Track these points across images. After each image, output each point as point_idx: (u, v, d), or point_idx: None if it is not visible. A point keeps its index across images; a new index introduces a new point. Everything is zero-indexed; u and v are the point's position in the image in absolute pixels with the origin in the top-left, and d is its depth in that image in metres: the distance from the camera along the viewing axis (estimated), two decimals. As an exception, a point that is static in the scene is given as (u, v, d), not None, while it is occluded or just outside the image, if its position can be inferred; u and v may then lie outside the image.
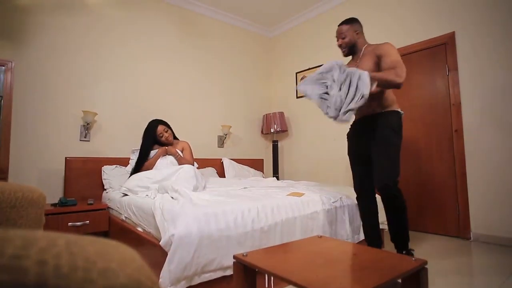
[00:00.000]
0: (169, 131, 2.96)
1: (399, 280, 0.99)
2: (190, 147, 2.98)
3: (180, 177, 2.30)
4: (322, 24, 4.26)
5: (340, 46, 2.21)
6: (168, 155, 2.82)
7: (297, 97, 4.57)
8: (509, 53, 2.66)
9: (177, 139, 3.11)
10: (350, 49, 2.19)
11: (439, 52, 3.09)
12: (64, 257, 0.26)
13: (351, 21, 2.19)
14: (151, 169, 2.69)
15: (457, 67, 2.96)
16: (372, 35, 3.61)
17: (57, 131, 3.03)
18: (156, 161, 2.76)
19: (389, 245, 2.66)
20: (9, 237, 0.26)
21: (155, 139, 2.88)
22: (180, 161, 2.77)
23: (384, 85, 1.85)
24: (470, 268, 2.16)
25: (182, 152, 2.91)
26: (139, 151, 2.86)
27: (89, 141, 3.21)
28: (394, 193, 1.88)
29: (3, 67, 2.50)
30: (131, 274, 0.29)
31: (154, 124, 2.91)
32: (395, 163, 1.92)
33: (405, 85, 3.20)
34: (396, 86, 1.85)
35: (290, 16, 4.60)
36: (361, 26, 2.21)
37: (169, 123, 3.08)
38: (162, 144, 2.92)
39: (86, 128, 3.16)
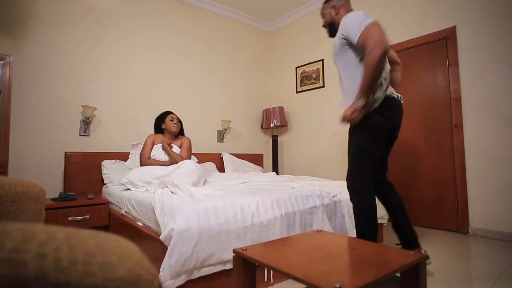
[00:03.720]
0: (179, 124, 2.99)
1: (398, 274, 1.00)
2: (189, 143, 2.97)
3: (181, 172, 2.30)
4: (321, 19, 4.23)
5: (323, 26, 2.01)
6: (162, 149, 2.82)
7: (297, 92, 4.56)
8: (511, 48, 2.65)
9: (183, 135, 3.11)
10: (331, 29, 1.92)
11: (440, 46, 3.07)
12: (63, 251, 0.26)
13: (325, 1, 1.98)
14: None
15: (457, 61, 2.94)
16: (373, 29, 3.59)
17: (56, 126, 3.02)
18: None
19: (388, 239, 2.67)
20: (9, 230, 0.26)
21: (163, 123, 2.96)
22: (172, 157, 2.75)
23: (370, 86, 1.56)
24: (469, 262, 2.18)
25: (180, 147, 2.90)
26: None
27: (88, 136, 3.20)
28: (351, 198, 1.80)
29: (2, 62, 2.49)
30: (130, 267, 0.29)
31: (169, 111, 3.05)
32: (354, 169, 1.78)
33: (405, 80, 3.21)
34: (378, 65, 1.48)
35: (290, 11, 4.56)
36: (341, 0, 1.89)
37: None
38: (166, 131, 2.96)
39: (86, 123, 3.16)
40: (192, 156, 3.42)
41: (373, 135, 1.71)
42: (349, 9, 1.88)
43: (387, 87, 1.70)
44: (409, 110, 3.14)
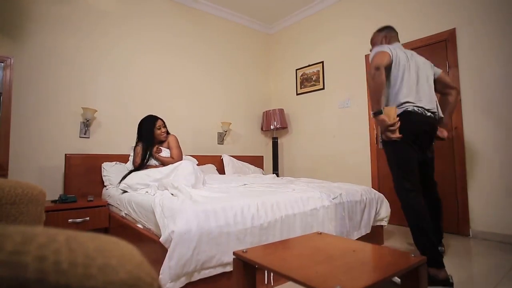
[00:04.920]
0: (166, 129, 2.92)
1: (398, 278, 1.00)
2: (176, 140, 2.89)
3: (179, 173, 2.30)
4: (322, 21, 4.25)
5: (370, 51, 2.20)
6: (153, 158, 2.76)
7: (297, 94, 4.57)
8: (511, 50, 2.65)
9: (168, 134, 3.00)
10: None
11: (439, 48, 3.08)
12: (63, 253, 0.26)
13: (378, 30, 2.26)
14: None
15: (457, 64, 2.95)
16: (373, 31, 3.60)
17: (56, 128, 3.02)
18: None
19: (389, 242, 2.67)
20: (9, 233, 0.26)
21: (153, 133, 2.83)
22: (164, 162, 2.71)
23: (373, 98, 1.90)
24: (469, 264, 2.17)
25: (168, 148, 2.86)
26: (143, 149, 2.77)
27: (89, 137, 3.21)
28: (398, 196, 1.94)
29: (2, 64, 2.49)
30: (131, 270, 0.29)
31: (154, 118, 2.87)
32: (391, 169, 1.97)
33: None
34: (372, 80, 1.86)
35: (290, 13, 4.58)
36: (387, 32, 2.20)
37: (168, 119, 3.07)
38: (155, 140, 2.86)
39: (86, 125, 3.16)
40: (192, 158, 3.42)
41: (392, 146, 1.94)
42: (394, 41, 2.17)
43: (404, 103, 1.90)
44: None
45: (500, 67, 2.70)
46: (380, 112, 1.84)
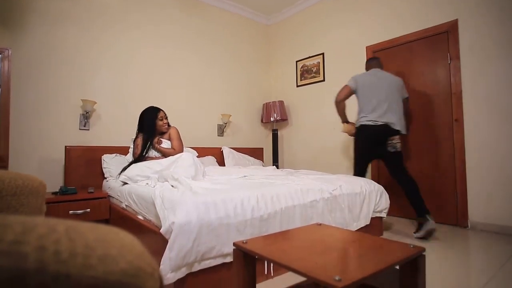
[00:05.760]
0: (167, 120, 2.90)
1: (397, 267, 1.00)
2: (177, 132, 2.87)
3: (179, 165, 2.30)
4: (322, 12, 4.20)
5: None
6: (153, 148, 2.75)
7: (297, 86, 4.54)
8: (512, 41, 2.63)
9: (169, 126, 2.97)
10: None
11: (441, 40, 3.05)
12: (63, 243, 0.26)
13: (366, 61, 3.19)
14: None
15: (459, 55, 2.93)
16: (374, 22, 3.56)
17: (56, 120, 3.02)
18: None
19: (387, 233, 2.69)
20: (9, 223, 0.26)
21: (155, 125, 2.80)
22: (165, 153, 2.70)
23: (339, 115, 3.02)
24: (467, 255, 2.19)
25: (169, 139, 2.85)
26: (144, 139, 2.74)
27: (88, 130, 3.20)
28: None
29: (0, 55, 2.47)
30: (131, 260, 0.29)
31: (156, 109, 2.84)
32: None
33: (406, 74, 3.21)
34: (336, 106, 2.94)
35: (291, 4, 4.52)
36: (369, 63, 3.03)
37: (168, 111, 3.06)
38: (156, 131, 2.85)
39: (86, 117, 3.15)
40: (192, 150, 3.42)
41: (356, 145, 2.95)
42: (371, 68, 2.95)
43: (362, 118, 2.80)
44: (409, 103, 3.14)
45: (503, 59, 2.68)
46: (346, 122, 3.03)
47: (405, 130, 2.77)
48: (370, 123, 2.74)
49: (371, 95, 2.75)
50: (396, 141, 2.72)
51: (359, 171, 2.85)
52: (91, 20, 3.27)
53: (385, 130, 2.73)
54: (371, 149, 2.81)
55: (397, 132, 2.71)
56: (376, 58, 3.02)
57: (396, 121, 2.72)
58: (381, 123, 2.72)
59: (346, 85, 2.85)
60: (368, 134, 2.78)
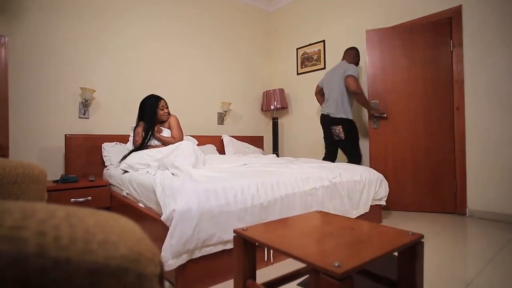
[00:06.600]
0: (168, 109, 2.88)
1: (395, 254, 1.02)
2: (177, 120, 2.86)
3: (179, 153, 2.30)
4: (324, -3, 4.13)
5: None
6: (154, 138, 2.74)
7: (298, 74, 4.50)
8: (516, 27, 2.59)
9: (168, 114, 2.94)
10: None
11: (443, 26, 3.00)
12: (63, 229, 0.26)
13: None
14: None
15: (462, 43, 2.89)
16: (376, 8, 3.50)
17: (55, 108, 3.00)
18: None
19: (386, 220, 2.71)
20: (9, 208, 0.26)
21: (156, 114, 2.78)
22: (165, 142, 2.70)
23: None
24: (465, 242, 2.21)
25: (169, 128, 2.84)
26: (144, 128, 2.73)
27: (88, 118, 3.19)
28: None
29: (-3, 42, 2.44)
30: (131, 245, 0.30)
31: (157, 98, 2.80)
32: None
33: (407, 60, 3.17)
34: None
35: (291, -11, 4.44)
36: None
37: (168, 100, 3.03)
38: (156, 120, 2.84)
39: (85, 105, 3.14)
40: (192, 138, 3.42)
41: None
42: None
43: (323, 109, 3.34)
44: (409, 90, 3.12)
45: (506, 47, 2.64)
46: None
47: (349, 115, 3.11)
48: (321, 112, 3.34)
49: (326, 87, 3.28)
50: (338, 130, 3.08)
51: (325, 155, 3.40)
52: (89, 7, 3.21)
53: (326, 119, 3.22)
54: (325, 137, 3.36)
55: (339, 121, 3.03)
56: (350, 48, 3.34)
57: (334, 110, 3.09)
58: (325, 113, 3.22)
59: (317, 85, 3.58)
60: (321, 123, 3.35)
